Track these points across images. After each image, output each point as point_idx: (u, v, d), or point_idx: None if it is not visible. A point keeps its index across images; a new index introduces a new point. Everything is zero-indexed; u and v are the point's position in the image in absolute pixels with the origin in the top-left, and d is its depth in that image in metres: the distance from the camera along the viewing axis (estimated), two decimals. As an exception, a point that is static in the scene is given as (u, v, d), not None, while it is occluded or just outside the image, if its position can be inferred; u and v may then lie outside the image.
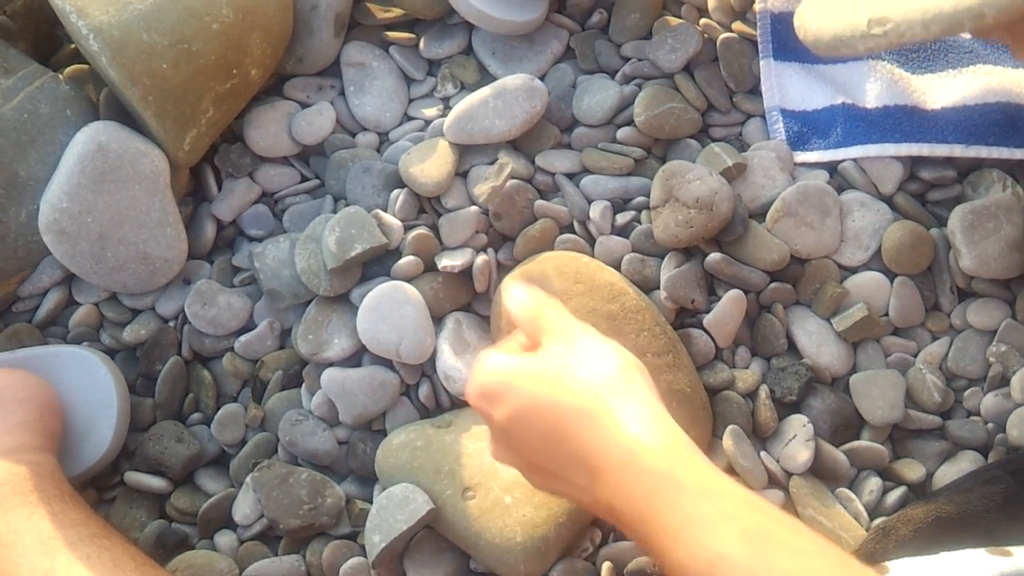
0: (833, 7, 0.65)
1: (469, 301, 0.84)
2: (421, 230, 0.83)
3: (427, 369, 0.82)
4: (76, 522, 0.69)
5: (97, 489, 0.81)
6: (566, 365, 0.63)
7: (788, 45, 0.90)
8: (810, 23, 0.68)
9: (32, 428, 0.74)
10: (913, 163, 0.86)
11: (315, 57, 0.88)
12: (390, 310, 0.79)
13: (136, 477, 0.80)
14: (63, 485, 0.72)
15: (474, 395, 0.65)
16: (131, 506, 0.80)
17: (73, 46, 0.88)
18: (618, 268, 0.83)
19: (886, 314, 0.83)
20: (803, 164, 0.87)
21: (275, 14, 0.83)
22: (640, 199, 0.85)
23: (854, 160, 0.86)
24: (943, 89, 0.88)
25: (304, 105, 0.88)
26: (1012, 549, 0.69)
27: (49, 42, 0.89)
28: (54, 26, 0.89)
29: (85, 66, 0.86)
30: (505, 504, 0.75)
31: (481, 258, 0.82)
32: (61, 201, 0.78)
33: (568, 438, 0.60)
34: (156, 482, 0.80)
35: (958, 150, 0.85)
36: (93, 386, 0.80)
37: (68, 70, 0.86)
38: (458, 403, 0.82)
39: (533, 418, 0.62)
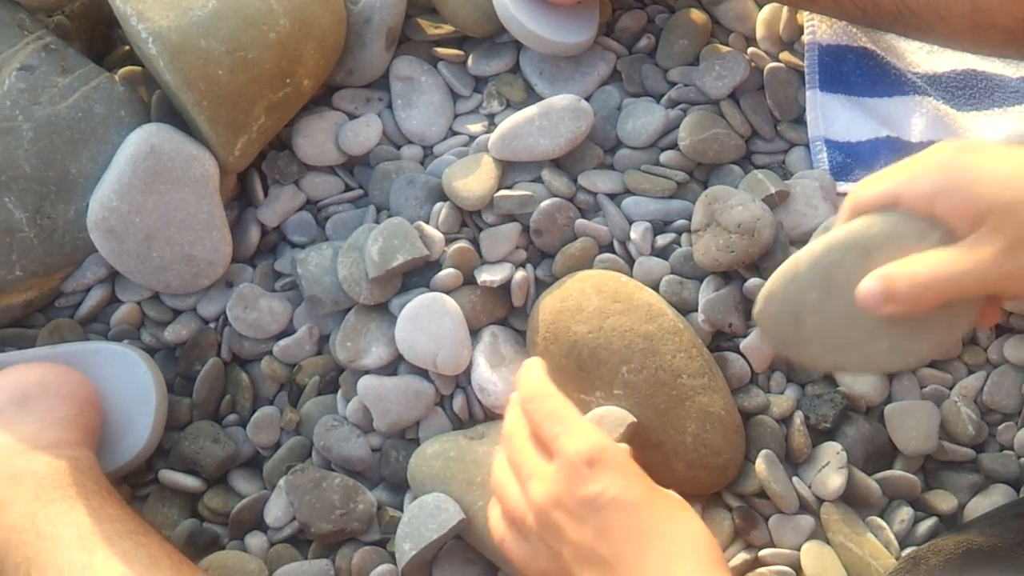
0: (790, 342, 0.68)
1: (506, 315, 0.85)
2: (462, 243, 0.83)
3: (462, 381, 0.83)
4: (114, 518, 0.69)
5: (131, 486, 0.82)
6: (679, 503, 0.65)
7: (835, 77, 0.91)
8: (777, 348, 0.77)
9: (72, 423, 0.75)
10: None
11: (365, 70, 0.89)
12: (428, 320, 0.80)
13: (170, 475, 0.81)
14: (102, 481, 0.73)
15: (580, 452, 0.63)
16: (164, 504, 0.81)
17: (127, 48, 0.89)
18: (656, 289, 0.83)
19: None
20: (845, 194, 0.87)
21: (330, 26, 0.84)
22: (681, 222, 0.86)
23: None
24: (988, 126, 0.89)
25: (352, 116, 0.89)
26: (1043, 584, 0.69)
27: (104, 43, 0.91)
28: (110, 27, 0.91)
29: (138, 68, 0.87)
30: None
31: (520, 273, 0.83)
32: (111, 200, 0.79)
33: (663, 553, 0.60)
34: (190, 481, 0.81)
35: None
36: (132, 383, 0.80)
37: (121, 71, 0.87)
38: (491, 415, 0.82)
39: (638, 514, 0.61)
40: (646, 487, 0.64)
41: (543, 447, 0.66)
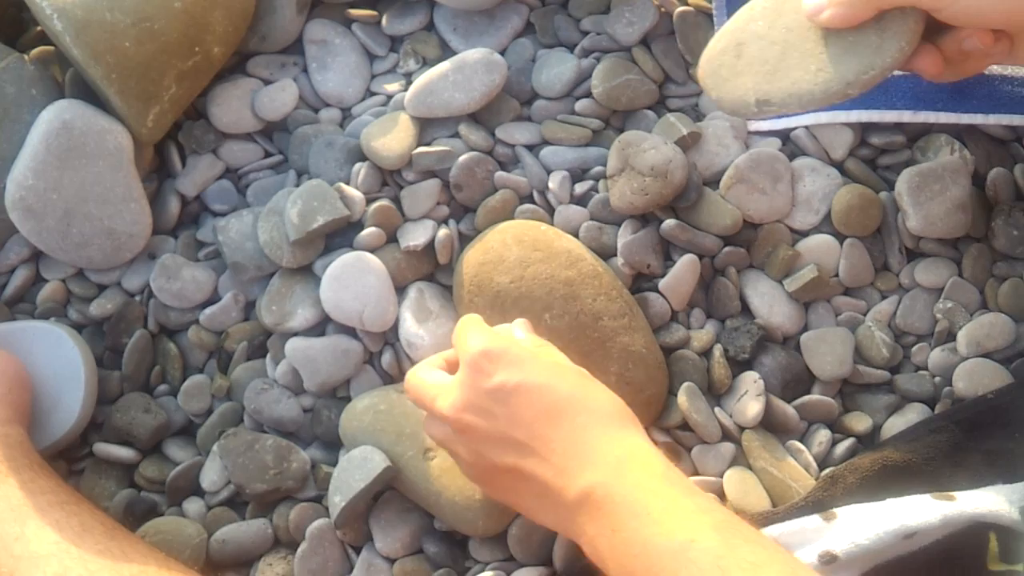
0: (725, 78, 0.71)
1: (432, 271, 0.86)
2: (383, 202, 0.84)
3: (390, 337, 0.84)
4: (45, 490, 0.70)
5: (67, 461, 0.83)
6: (583, 376, 0.69)
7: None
8: (710, 90, 0.73)
9: (2, 401, 0.75)
10: (864, 129, 0.88)
11: (278, 35, 0.89)
12: (353, 279, 0.81)
13: (105, 448, 0.82)
14: (32, 455, 0.74)
15: (475, 350, 0.67)
16: (100, 476, 0.82)
17: (39, 28, 0.89)
18: (577, 236, 0.85)
19: (836, 275, 0.85)
20: (756, 132, 0.88)
21: (236, -8, 0.84)
22: (598, 169, 0.87)
23: (806, 127, 0.87)
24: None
25: (267, 82, 0.90)
26: (955, 494, 0.71)
27: (15, 25, 0.90)
28: (20, 9, 0.90)
29: (51, 48, 0.87)
30: (464, 463, 0.77)
31: (443, 231, 0.84)
32: (27, 179, 0.80)
33: (572, 424, 0.64)
34: (124, 452, 0.81)
35: (907, 116, 0.87)
36: (61, 360, 0.81)
37: (34, 52, 0.87)
38: (421, 369, 0.83)
39: (542, 393, 0.65)
40: (548, 367, 0.68)
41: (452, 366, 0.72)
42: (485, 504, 0.76)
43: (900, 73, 0.87)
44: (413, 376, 0.74)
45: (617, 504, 0.60)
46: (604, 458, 0.63)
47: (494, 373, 0.66)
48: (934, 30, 0.67)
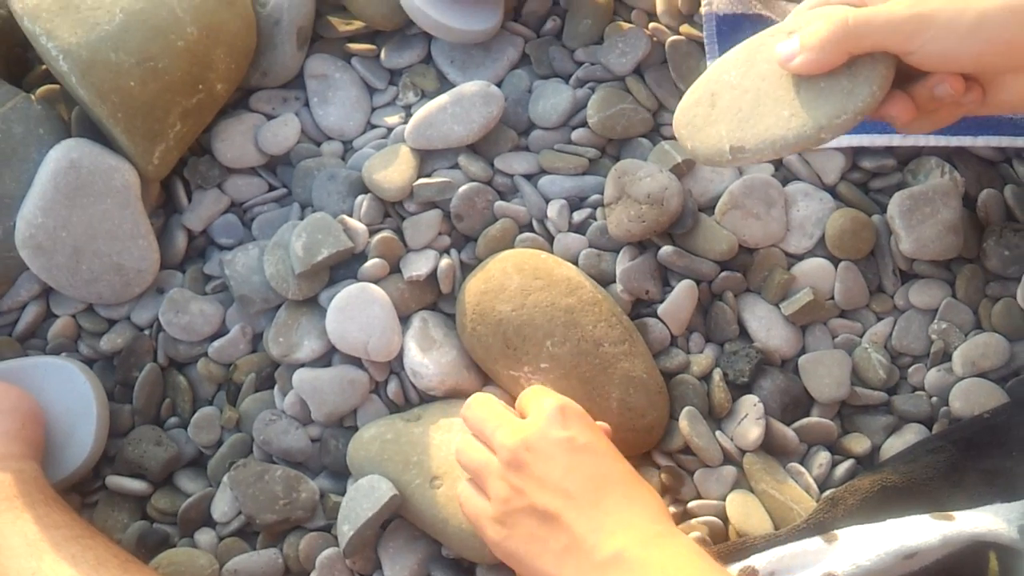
0: (699, 127, 0.72)
1: (435, 300, 0.87)
2: (386, 233, 0.86)
3: (395, 366, 0.85)
4: (60, 524, 0.71)
5: (80, 494, 0.84)
6: (637, 473, 0.71)
7: (733, 45, 0.93)
8: (684, 140, 0.74)
9: (16, 437, 0.76)
10: (855, 154, 0.90)
11: (279, 70, 0.91)
12: (358, 310, 0.82)
13: (117, 480, 0.83)
14: (47, 490, 0.75)
15: (558, 402, 0.72)
16: (113, 509, 0.83)
17: (44, 67, 0.90)
18: (576, 263, 0.86)
19: (832, 297, 0.87)
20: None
21: (238, 30, 0.86)
22: (595, 197, 0.88)
23: (798, 153, 0.89)
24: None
25: (270, 117, 0.91)
26: (955, 513, 0.72)
27: (20, 64, 0.91)
28: (25, 48, 0.92)
29: (56, 86, 0.88)
30: (471, 491, 0.78)
31: (445, 262, 0.85)
32: (36, 217, 0.81)
33: (621, 496, 0.67)
34: (136, 485, 0.83)
35: (897, 139, 0.88)
36: (73, 395, 0.82)
37: (40, 91, 0.88)
38: (426, 398, 0.85)
39: (600, 461, 0.69)
40: (612, 447, 0.71)
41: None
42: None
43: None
44: (480, 401, 0.76)
45: (650, 567, 0.62)
46: (643, 528, 0.65)
47: (568, 427, 0.70)
48: (906, 78, 0.68)
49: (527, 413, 0.74)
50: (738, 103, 0.70)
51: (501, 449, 0.70)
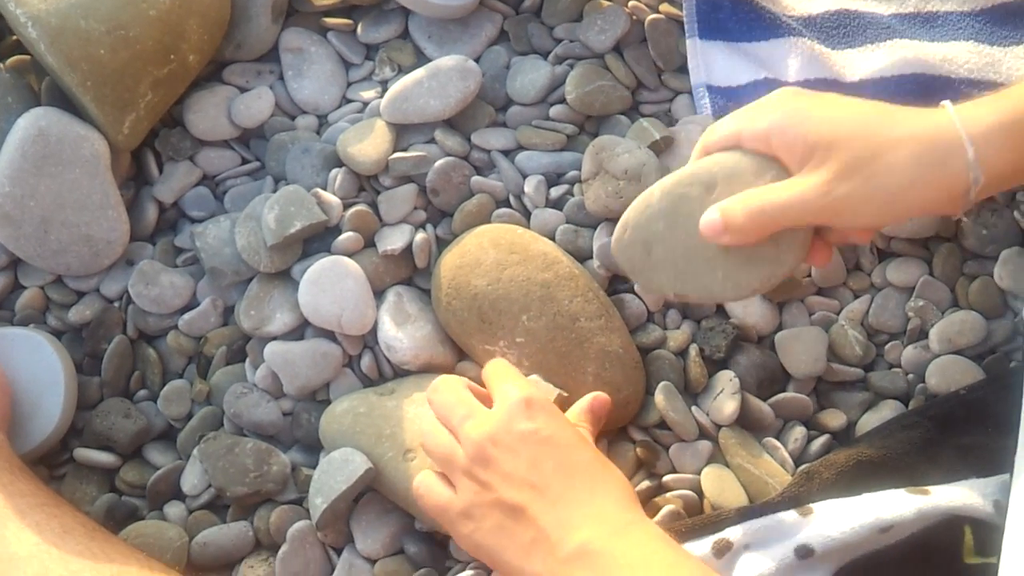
0: (640, 270, 0.76)
1: (409, 275, 0.86)
2: (360, 207, 0.85)
3: (369, 340, 0.84)
4: (25, 492, 0.71)
5: (47, 466, 0.82)
6: (606, 460, 0.71)
7: (713, 24, 0.93)
8: (629, 274, 0.78)
9: (-19, 409, 0.76)
10: (834, 132, 0.89)
11: (253, 43, 0.90)
12: (331, 283, 0.81)
13: (85, 453, 0.81)
14: (13, 460, 0.74)
15: (520, 395, 0.71)
16: (81, 481, 0.82)
17: (14, 37, 0.89)
18: (553, 239, 0.86)
19: (809, 275, 0.87)
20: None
21: (212, 1, 0.85)
22: (573, 173, 0.88)
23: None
24: (861, 62, 0.92)
25: (243, 90, 0.90)
26: (930, 488, 0.72)
27: (-10, 35, 0.90)
28: (-6, 18, 0.91)
29: (27, 57, 0.87)
30: (444, 464, 0.77)
31: (420, 236, 0.85)
32: (3, 186, 0.80)
33: (586, 486, 0.67)
34: (105, 457, 0.81)
35: None
36: (40, 366, 0.81)
37: (9, 60, 0.87)
38: (400, 372, 0.84)
39: (565, 452, 0.68)
40: (577, 435, 0.71)
41: (482, 399, 0.74)
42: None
43: (869, 76, 0.89)
44: (446, 386, 0.75)
45: (616, 558, 0.62)
46: (610, 520, 0.65)
47: (531, 419, 0.69)
48: (820, 229, 0.73)
49: (493, 395, 0.74)
50: (672, 257, 0.73)
51: (467, 443, 0.70)
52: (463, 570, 0.78)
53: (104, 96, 0.80)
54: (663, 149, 0.88)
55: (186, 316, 0.84)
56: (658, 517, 0.76)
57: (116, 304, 0.85)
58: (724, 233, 0.69)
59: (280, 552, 0.78)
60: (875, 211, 0.67)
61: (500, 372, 0.76)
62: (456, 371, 0.84)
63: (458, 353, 0.85)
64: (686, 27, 0.93)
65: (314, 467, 0.81)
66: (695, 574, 0.62)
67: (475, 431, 0.70)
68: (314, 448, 0.82)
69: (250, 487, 0.79)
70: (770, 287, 0.72)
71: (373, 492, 0.80)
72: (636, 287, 0.85)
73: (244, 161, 0.90)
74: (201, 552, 0.79)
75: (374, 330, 0.83)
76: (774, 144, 0.70)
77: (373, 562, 0.79)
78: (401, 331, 0.82)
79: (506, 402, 0.71)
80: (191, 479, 0.81)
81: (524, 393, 0.71)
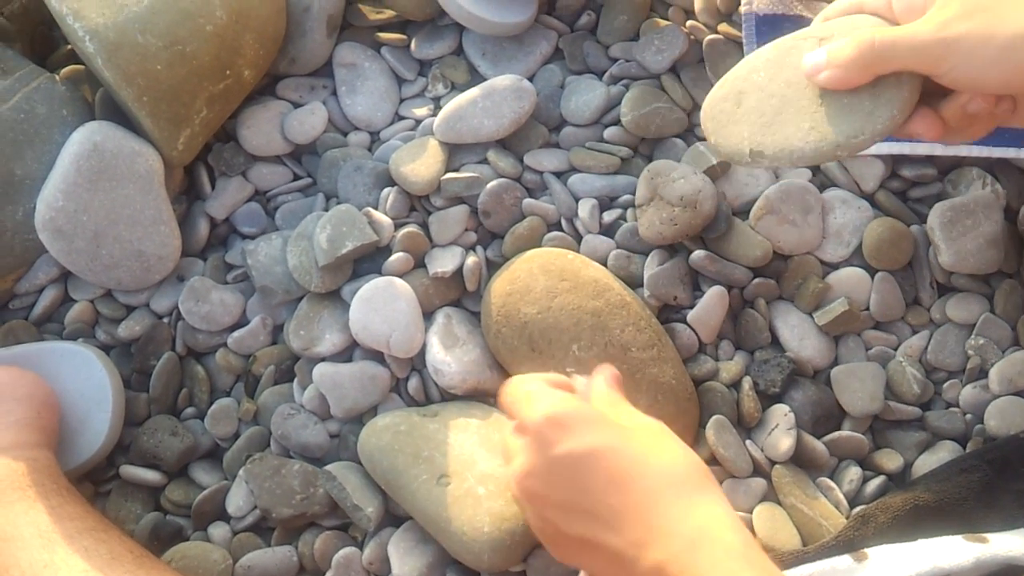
0: (723, 124, 0.71)
1: (459, 297, 0.85)
2: (411, 228, 0.84)
3: (416, 363, 0.83)
4: (74, 516, 0.70)
5: (93, 483, 0.83)
6: (655, 434, 0.64)
7: (773, 44, 0.92)
8: (709, 134, 0.73)
9: (30, 425, 0.75)
10: (895, 161, 0.88)
11: (308, 58, 0.90)
12: (382, 303, 0.81)
13: (131, 470, 0.81)
14: (60, 480, 0.74)
15: (539, 417, 0.64)
16: (126, 499, 0.82)
17: (69, 48, 0.89)
18: (604, 265, 0.84)
19: (867, 308, 0.85)
20: (786, 162, 0.88)
21: (268, 16, 0.84)
22: (626, 197, 0.86)
23: (823, 163, 0.87)
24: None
25: (297, 105, 0.90)
26: (988, 536, 0.71)
27: (45, 44, 0.90)
28: (50, 28, 0.91)
29: (81, 67, 0.87)
30: (478, 494, 0.76)
31: (471, 259, 0.84)
32: (57, 200, 0.80)
33: (643, 490, 0.60)
34: (151, 475, 0.81)
35: (939, 149, 0.86)
36: (89, 382, 0.81)
37: (64, 71, 0.87)
38: (447, 396, 0.83)
39: (609, 460, 0.61)
40: (615, 430, 0.63)
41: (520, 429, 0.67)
42: (492, 538, 0.74)
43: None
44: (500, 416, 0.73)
45: None
46: (678, 529, 0.58)
47: (560, 441, 0.62)
48: (936, 95, 0.66)
49: (521, 422, 0.67)
50: (762, 106, 0.69)
51: (515, 486, 0.65)
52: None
53: (160, 111, 0.80)
54: (719, 175, 0.86)
55: (235, 334, 0.84)
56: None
57: (166, 320, 0.85)
58: (827, 67, 0.65)
59: (325, 578, 0.78)
60: (992, 58, 0.60)
61: (515, 397, 0.69)
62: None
63: (506, 378, 0.83)
64: (745, 48, 0.91)
65: (360, 491, 0.80)
66: None
67: (516, 471, 0.65)
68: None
69: (296, 509, 0.79)
70: (854, 149, 0.66)
71: (413, 521, 0.79)
72: (688, 317, 0.83)
73: (296, 177, 0.89)
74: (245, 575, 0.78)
75: (422, 353, 0.82)
76: (896, 7, 0.66)
77: (416, 590, 0.78)
78: (449, 355, 0.81)
79: (531, 431, 0.64)
80: (236, 500, 0.81)
81: (544, 413, 0.64)
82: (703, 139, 0.89)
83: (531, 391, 0.67)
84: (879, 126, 0.65)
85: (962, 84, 0.63)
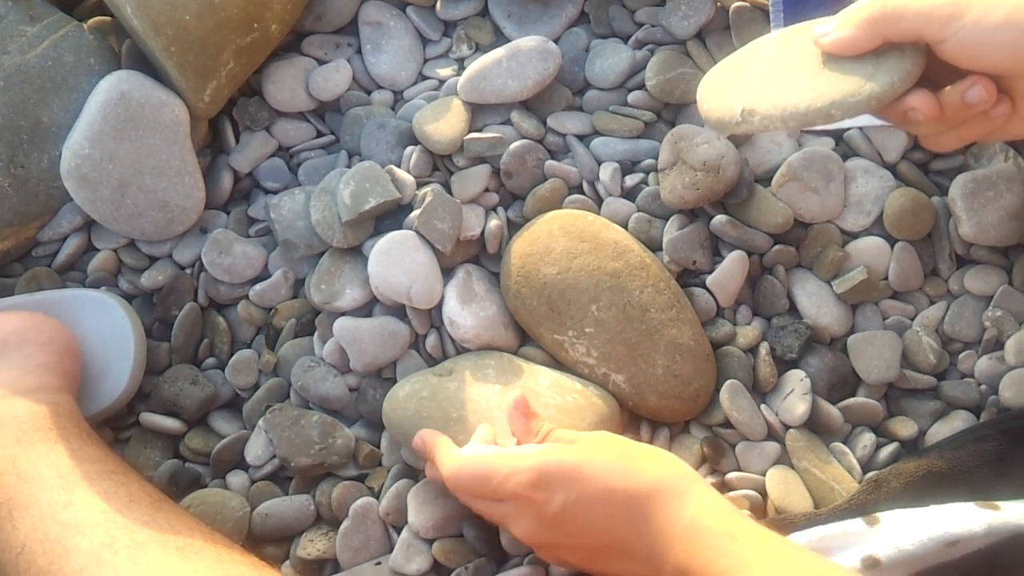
0: (720, 91, 0.72)
1: (478, 254, 0.86)
2: (433, 186, 0.85)
3: (435, 320, 0.84)
4: (94, 458, 0.71)
5: (113, 429, 0.83)
6: (630, 453, 0.68)
7: (799, 14, 0.91)
8: (702, 102, 0.73)
9: (52, 369, 0.76)
10: (918, 133, 0.88)
11: (334, 15, 0.90)
12: (401, 255, 0.81)
13: (151, 418, 0.82)
14: (81, 424, 0.74)
15: (528, 484, 0.67)
16: (146, 446, 0.83)
17: (97, -2, 0.89)
18: (625, 228, 0.85)
19: (885, 278, 0.85)
20: (810, 131, 0.88)
21: (296, -30, 0.84)
22: (648, 161, 0.87)
23: (860, 128, 0.87)
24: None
25: (321, 62, 0.90)
26: (1000, 503, 0.71)
27: (73, -7, 0.91)
28: (78, -23, 0.91)
29: (108, 18, 0.87)
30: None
31: (494, 223, 0.84)
32: (83, 148, 0.80)
33: (640, 516, 0.64)
34: (171, 423, 0.82)
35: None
36: (111, 329, 0.82)
37: (92, 21, 0.87)
38: (461, 350, 0.84)
39: (603, 502, 0.66)
40: (598, 463, 0.67)
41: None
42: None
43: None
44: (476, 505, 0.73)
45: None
46: (677, 539, 0.63)
47: (551, 499, 0.67)
48: (937, 83, 0.67)
49: (501, 496, 0.71)
50: (763, 72, 0.70)
51: (530, 545, 0.72)
52: (520, 564, 0.78)
53: (187, 62, 0.80)
54: (743, 141, 0.86)
55: (257, 287, 0.85)
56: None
57: (188, 271, 0.85)
58: (836, 28, 0.66)
59: (341, 527, 0.79)
60: (997, 23, 0.61)
61: (479, 474, 0.71)
62: (519, 355, 0.84)
63: (521, 337, 0.85)
64: (771, 15, 0.91)
65: (377, 444, 0.81)
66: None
67: (522, 534, 0.70)
68: (377, 425, 0.83)
69: (315, 459, 0.79)
70: (849, 110, 0.65)
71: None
72: (707, 281, 0.84)
73: (319, 134, 0.89)
74: (262, 523, 0.79)
75: (440, 309, 0.83)
76: None
77: (431, 542, 0.79)
78: (466, 309, 0.82)
79: (518, 499, 0.69)
80: (255, 449, 0.82)
81: (527, 479, 0.68)
82: (726, 105, 0.89)
83: (486, 467, 0.70)
84: (876, 88, 0.65)
85: (966, 52, 0.63)
